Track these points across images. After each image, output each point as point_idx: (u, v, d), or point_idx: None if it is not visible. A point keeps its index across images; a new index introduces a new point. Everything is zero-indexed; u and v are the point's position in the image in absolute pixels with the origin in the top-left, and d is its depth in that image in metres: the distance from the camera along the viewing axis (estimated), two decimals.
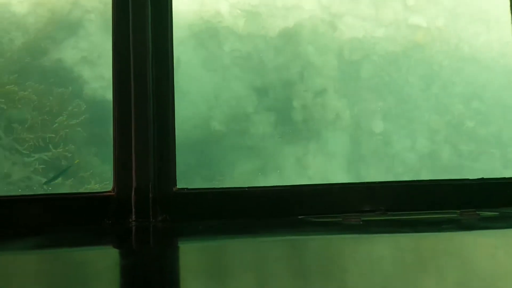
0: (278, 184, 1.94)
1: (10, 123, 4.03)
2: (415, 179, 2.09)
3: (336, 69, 4.23)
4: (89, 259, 1.34)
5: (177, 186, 1.85)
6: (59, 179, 4.07)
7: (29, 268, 1.26)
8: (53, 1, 4.22)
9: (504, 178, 2.02)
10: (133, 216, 1.81)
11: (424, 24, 4.29)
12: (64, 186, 4.14)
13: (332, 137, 4.18)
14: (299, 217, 1.86)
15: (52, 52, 4.27)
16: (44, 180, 4.02)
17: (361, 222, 1.72)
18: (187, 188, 1.87)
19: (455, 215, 1.83)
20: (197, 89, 4.47)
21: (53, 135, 4.13)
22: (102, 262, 1.30)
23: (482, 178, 2.01)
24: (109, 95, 4.78)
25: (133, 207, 1.81)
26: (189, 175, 4.32)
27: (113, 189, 1.82)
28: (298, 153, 4.23)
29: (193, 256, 1.37)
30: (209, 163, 4.41)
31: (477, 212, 1.83)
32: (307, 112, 4.26)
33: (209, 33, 4.42)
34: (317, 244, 1.47)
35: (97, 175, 4.33)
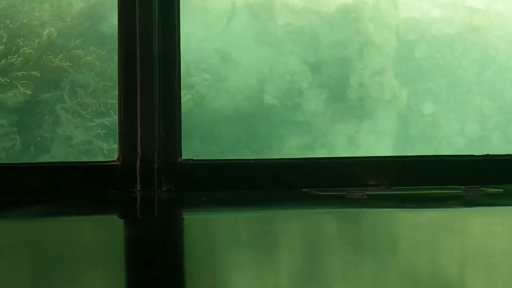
0: (285, 157, 1.94)
1: (74, 87, 4.17)
2: (420, 154, 2.09)
3: (395, 48, 4.20)
4: (94, 228, 1.35)
5: (183, 157, 1.85)
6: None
7: (33, 236, 1.26)
8: None
9: (509, 155, 2.01)
10: (138, 186, 1.82)
11: (482, 6, 4.22)
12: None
13: (386, 116, 4.18)
14: (303, 190, 1.87)
15: (110, 18, 4.35)
16: (104, 145, 4.17)
17: (365, 197, 1.72)
18: (192, 159, 1.87)
19: (460, 191, 1.82)
20: (249, 62, 4.49)
21: (114, 101, 4.29)
22: (107, 232, 1.30)
23: (488, 155, 2.00)
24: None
25: (138, 177, 1.81)
26: (238, 147, 4.36)
27: (118, 158, 1.82)
28: (349, 131, 4.23)
29: (197, 227, 1.38)
30: (258, 136, 4.43)
31: (482, 189, 1.82)
32: (363, 91, 4.25)
33: (263, 5, 4.41)
34: (322, 218, 1.48)
35: None
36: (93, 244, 1.16)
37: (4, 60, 3.75)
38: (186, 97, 4.78)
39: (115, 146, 4.21)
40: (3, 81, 3.81)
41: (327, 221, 1.44)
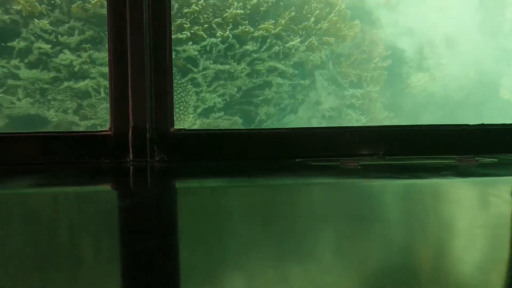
0: (276, 127, 1.92)
1: (338, 56, 4.25)
2: (414, 124, 2.07)
3: None
4: (86, 199, 1.34)
5: (175, 127, 1.83)
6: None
7: (25, 206, 1.25)
8: None
9: (504, 124, 2.01)
10: (130, 156, 1.80)
11: None
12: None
13: None
14: (297, 160, 1.86)
15: None
16: (353, 114, 4.23)
17: (359, 167, 1.71)
18: (184, 129, 1.85)
19: (454, 161, 1.82)
20: (470, 51, 4.45)
21: (368, 74, 4.37)
22: (99, 203, 1.29)
23: (482, 124, 1.99)
24: (400, 43, 4.79)
25: (130, 147, 1.80)
26: None
27: (110, 128, 1.80)
28: None
29: (191, 198, 1.37)
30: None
31: (476, 158, 1.82)
32: None
33: None
34: (316, 189, 1.47)
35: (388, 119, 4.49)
36: (85, 216, 1.15)
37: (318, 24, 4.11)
38: (423, 79, 4.79)
39: (361, 117, 4.27)
40: (314, 41, 4.00)
41: (322, 192, 1.43)
